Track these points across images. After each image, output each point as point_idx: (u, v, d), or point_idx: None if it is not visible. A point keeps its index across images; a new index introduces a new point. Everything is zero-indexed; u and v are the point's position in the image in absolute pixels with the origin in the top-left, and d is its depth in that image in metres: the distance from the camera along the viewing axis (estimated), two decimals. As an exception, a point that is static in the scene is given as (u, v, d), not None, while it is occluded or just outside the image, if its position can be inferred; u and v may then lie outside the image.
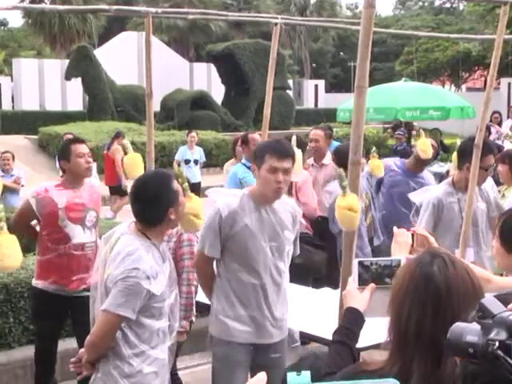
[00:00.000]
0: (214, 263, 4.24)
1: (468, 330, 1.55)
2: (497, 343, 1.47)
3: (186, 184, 3.87)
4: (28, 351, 6.00)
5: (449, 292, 1.93)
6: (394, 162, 7.05)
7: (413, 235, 3.36)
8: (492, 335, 1.49)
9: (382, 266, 2.53)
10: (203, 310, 6.52)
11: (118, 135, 14.02)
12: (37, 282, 5.28)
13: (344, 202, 3.83)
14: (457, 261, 2.03)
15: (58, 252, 5.13)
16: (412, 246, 3.36)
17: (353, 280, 2.53)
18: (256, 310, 4.12)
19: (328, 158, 7.47)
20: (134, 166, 5.12)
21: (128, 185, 9.41)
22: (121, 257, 3.40)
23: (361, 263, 2.54)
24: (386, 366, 1.96)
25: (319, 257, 6.62)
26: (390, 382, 1.34)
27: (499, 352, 1.46)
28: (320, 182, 7.32)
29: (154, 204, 3.51)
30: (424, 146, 6.85)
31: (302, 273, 6.97)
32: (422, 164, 6.95)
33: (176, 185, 3.57)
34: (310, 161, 7.55)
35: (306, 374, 1.32)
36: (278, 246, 4.13)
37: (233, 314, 4.13)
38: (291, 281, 5.88)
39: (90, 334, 3.47)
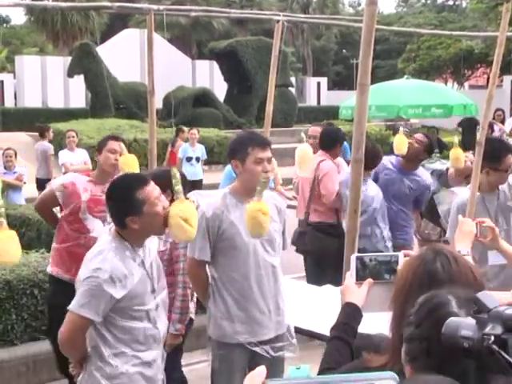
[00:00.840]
0: (207, 268, 4.22)
1: (463, 325, 1.55)
2: (492, 338, 1.47)
3: (179, 187, 3.77)
4: (30, 348, 6.02)
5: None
6: (389, 161, 7.03)
7: (477, 225, 3.41)
8: (487, 330, 1.49)
9: (380, 261, 2.53)
10: (204, 307, 6.53)
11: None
12: (51, 269, 5.30)
13: (255, 206, 3.82)
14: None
15: (78, 242, 5.13)
16: (476, 235, 3.41)
17: (350, 275, 2.52)
18: (253, 308, 4.11)
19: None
20: (128, 168, 5.11)
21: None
22: (90, 256, 3.40)
23: (359, 259, 2.54)
24: (389, 363, 1.96)
25: (331, 244, 6.64)
26: (388, 375, 1.34)
27: (494, 346, 1.46)
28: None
29: (113, 209, 3.52)
30: (396, 142, 6.94)
31: (316, 260, 7.07)
32: (412, 161, 6.91)
33: (143, 194, 3.45)
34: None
35: (306, 368, 1.33)
36: (268, 239, 4.10)
37: (230, 316, 4.12)
38: (309, 269, 5.81)
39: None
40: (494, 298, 1.56)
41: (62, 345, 3.43)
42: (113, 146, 5.22)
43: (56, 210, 5.40)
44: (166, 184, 4.53)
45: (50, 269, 5.35)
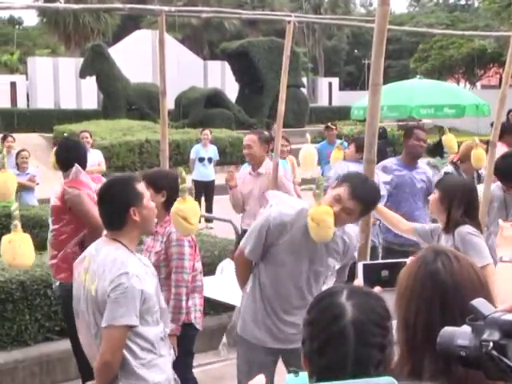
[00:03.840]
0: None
1: (458, 334, 1.56)
2: (491, 344, 1.47)
3: (185, 185, 3.82)
4: (44, 348, 6.04)
5: (455, 287, 1.93)
6: (392, 163, 7.04)
7: None
8: (484, 336, 1.49)
9: (388, 267, 2.51)
10: (217, 307, 6.55)
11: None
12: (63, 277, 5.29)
13: (320, 209, 3.78)
14: (460, 256, 2.03)
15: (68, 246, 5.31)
16: None
17: (358, 283, 2.51)
18: (278, 320, 4.10)
19: (264, 167, 6.85)
20: None
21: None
22: (104, 267, 3.32)
23: (366, 266, 2.52)
24: (396, 368, 1.95)
25: None
26: (387, 380, 1.34)
27: (494, 352, 1.46)
28: (255, 193, 6.81)
29: (114, 204, 3.45)
30: (449, 142, 7.35)
31: None
32: (415, 158, 7.00)
33: (141, 187, 3.50)
34: (247, 168, 7.05)
35: (304, 375, 1.34)
36: (316, 269, 4.04)
37: (255, 317, 4.13)
38: None
39: (99, 356, 3.31)
40: (489, 305, 1.58)
41: (109, 363, 3.29)
42: None
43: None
44: (161, 185, 4.55)
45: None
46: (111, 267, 3.30)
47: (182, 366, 4.31)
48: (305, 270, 4.01)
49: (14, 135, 12.44)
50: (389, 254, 6.32)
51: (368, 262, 2.60)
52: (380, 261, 2.57)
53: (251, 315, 4.15)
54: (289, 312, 4.09)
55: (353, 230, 4.15)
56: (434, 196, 4.50)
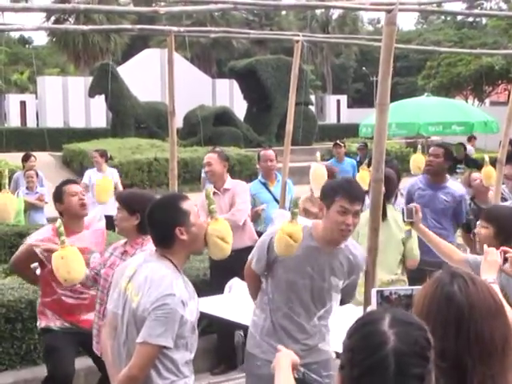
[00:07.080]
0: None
1: None
2: None
3: (214, 206, 3.82)
4: (52, 368, 6.02)
5: (471, 310, 1.93)
6: (418, 180, 7.03)
7: (501, 254, 3.45)
8: None
9: (401, 295, 2.49)
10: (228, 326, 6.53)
11: None
12: (43, 323, 5.18)
13: (288, 228, 3.83)
14: (477, 279, 2.03)
15: (65, 292, 5.07)
16: (501, 265, 3.43)
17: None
18: (283, 337, 4.07)
19: (229, 183, 6.92)
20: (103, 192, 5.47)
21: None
22: (151, 283, 3.32)
23: (380, 293, 2.50)
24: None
25: None
26: None
27: None
28: (225, 210, 6.71)
29: (161, 224, 3.47)
30: (415, 162, 7.26)
31: None
32: (438, 175, 6.90)
33: (187, 205, 3.49)
34: (211, 188, 6.73)
35: None
36: (318, 285, 4.02)
37: (263, 332, 4.15)
38: None
39: (128, 368, 3.32)
40: None
41: (136, 378, 3.30)
42: (72, 188, 5.12)
43: (34, 266, 5.19)
44: (135, 207, 4.40)
45: (44, 324, 5.19)
46: (158, 285, 3.30)
47: None
48: (307, 286, 4.02)
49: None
50: None
51: (381, 288, 2.56)
52: (393, 287, 2.53)
53: (259, 330, 4.17)
54: (291, 334, 4.09)
55: (360, 251, 4.13)
56: (487, 231, 4.11)
